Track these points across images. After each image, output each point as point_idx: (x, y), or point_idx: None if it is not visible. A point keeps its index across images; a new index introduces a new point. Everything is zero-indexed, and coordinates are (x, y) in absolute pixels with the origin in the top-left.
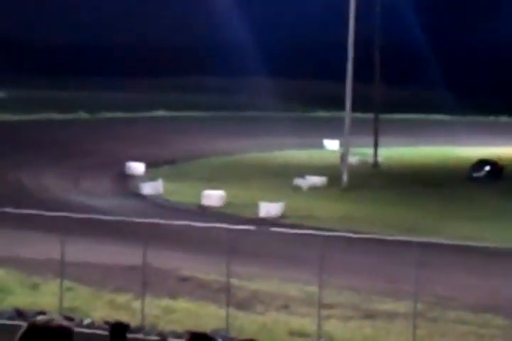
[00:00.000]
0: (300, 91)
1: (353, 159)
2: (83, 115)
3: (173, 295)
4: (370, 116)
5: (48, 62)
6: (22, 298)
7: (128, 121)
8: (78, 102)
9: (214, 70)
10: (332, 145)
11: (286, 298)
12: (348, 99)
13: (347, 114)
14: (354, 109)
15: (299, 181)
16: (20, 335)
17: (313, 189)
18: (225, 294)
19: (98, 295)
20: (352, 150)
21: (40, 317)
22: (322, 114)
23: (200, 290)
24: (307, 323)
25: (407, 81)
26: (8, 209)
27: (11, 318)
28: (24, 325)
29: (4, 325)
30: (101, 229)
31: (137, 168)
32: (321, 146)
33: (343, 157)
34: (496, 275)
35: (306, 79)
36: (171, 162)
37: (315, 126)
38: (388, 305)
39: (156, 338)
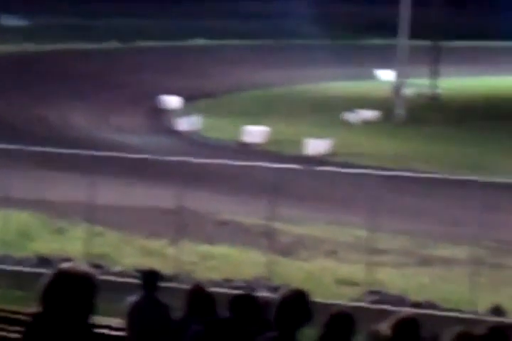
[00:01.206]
0: (349, 16)
1: (408, 91)
2: (115, 44)
3: (211, 241)
4: (428, 43)
5: None
6: (46, 244)
7: (163, 50)
8: (109, 30)
9: None
10: (385, 75)
11: (334, 243)
12: (403, 23)
13: (401, 40)
14: (410, 35)
15: (349, 115)
16: (45, 284)
17: (365, 124)
18: (268, 239)
19: (129, 241)
20: (408, 81)
21: (64, 265)
22: (374, 41)
23: (240, 234)
24: (357, 271)
25: (471, 3)
26: (31, 148)
27: (34, 265)
28: (48, 272)
29: (27, 272)
30: (132, 168)
31: (173, 101)
32: (373, 77)
33: (398, 88)
34: None
35: (355, 2)
36: (210, 95)
37: (366, 55)
38: (446, 251)
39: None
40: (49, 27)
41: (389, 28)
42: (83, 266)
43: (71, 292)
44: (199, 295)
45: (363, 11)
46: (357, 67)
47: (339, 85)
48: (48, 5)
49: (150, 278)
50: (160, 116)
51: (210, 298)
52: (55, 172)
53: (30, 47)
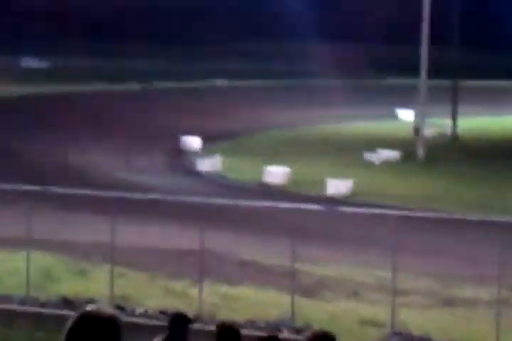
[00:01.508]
0: (370, 56)
1: (429, 131)
2: (135, 86)
3: (232, 282)
4: (448, 83)
5: (94, 26)
6: (69, 286)
7: (184, 91)
8: (131, 71)
9: (273, 35)
10: (406, 115)
11: (357, 284)
12: (424, 63)
13: (422, 80)
14: (430, 75)
15: (370, 156)
16: (70, 326)
17: (386, 164)
18: (290, 280)
19: (152, 282)
20: (428, 120)
21: (88, 307)
22: (394, 81)
23: (262, 275)
24: (380, 312)
25: (490, 43)
26: (52, 188)
27: (58, 307)
28: (72, 314)
29: (51, 314)
30: (153, 209)
31: (193, 142)
32: (394, 117)
33: (419, 128)
34: None
35: (376, 42)
36: (230, 136)
37: (387, 95)
38: (470, 292)
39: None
40: (70, 68)
41: (409, 68)
42: (107, 308)
43: (96, 334)
44: (228, 334)
45: (383, 51)
46: (378, 107)
47: (360, 125)
48: (68, 46)
49: (179, 321)
50: (180, 157)
51: (239, 336)
52: (76, 214)
53: (51, 88)
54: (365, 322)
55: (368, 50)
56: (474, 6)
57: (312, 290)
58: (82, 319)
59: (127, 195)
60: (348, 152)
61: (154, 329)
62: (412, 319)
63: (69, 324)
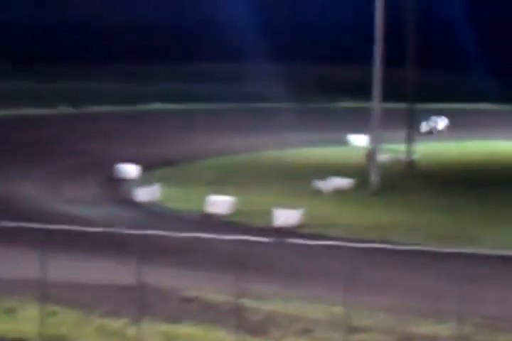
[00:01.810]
0: (320, 78)
1: (383, 157)
2: (66, 109)
3: (174, 319)
4: (403, 106)
5: (17, 46)
6: None
7: (118, 115)
8: (59, 94)
9: (216, 55)
10: (359, 140)
11: (308, 321)
12: (377, 86)
13: (375, 103)
14: (384, 98)
15: (319, 184)
16: None
17: (337, 192)
18: (236, 317)
19: (87, 321)
20: (382, 146)
21: None
22: (346, 104)
23: (206, 312)
24: None
25: (446, 64)
26: None
27: None
28: None
29: None
30: (88, 242)
31: (130, 170)
32: (346, 142)
33: (372, 155)
34: None
35: (326, 64)
36: (170, 163)
37: (338, 119)
38: (428, 328)
39: None
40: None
41: (361, 90)
42: None
43: None
44: None
45: (334, 72)
46: (328, 131)
47: (309, 151)
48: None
49: None
50: (116, 186)
51: None
52: (2, 247)
53: None
54: None
55: (320, 72)
56: (430, 25)
57: (259, 327)
58: None
59: (58, 226)
60: (296, 180)
61: None
62: None
63: None
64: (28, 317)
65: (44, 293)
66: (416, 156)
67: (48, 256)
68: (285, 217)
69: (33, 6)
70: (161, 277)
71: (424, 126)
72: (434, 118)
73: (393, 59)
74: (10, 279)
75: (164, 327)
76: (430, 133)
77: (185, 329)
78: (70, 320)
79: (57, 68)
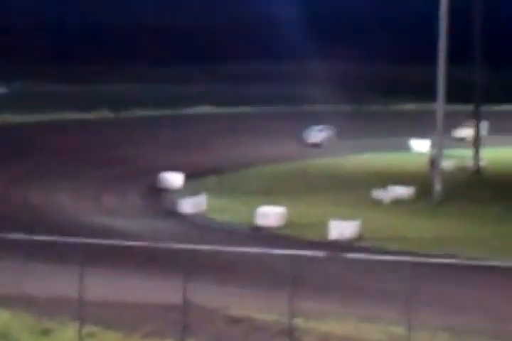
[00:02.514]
0: (379, 79)
1: (447, 164)
2: (106, 114)
3: None
4: (469, 108)
5: (60, 47)
6: None
7: (161, 119)
8: (97, 97)
9: (264, 54)
10: (421, 146)
11: None
12: (441, 86)
13: (439, 105)
14: (449, 99)
15: (379, 193)
16: None
17: (398, 203)
18: (288, 338)
19: None
20: (446, 152)
21: None
22: (408, 107)
23: (255, 333)
24: None
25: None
26: (13, 236)
27: None
28: None
29: None
30: (129, 258)
31: (174, 179)
32: (408, 148)
33: (435, 161)
34: None
35: (386, 64)
36: (215, 171)
37: (399, 123)
38: None
39: None
40: (30, 95)
41: (424, 91)
42: None
43: None
44: None
45: (395, 73)
46: (388, 136)
47: (367, 158)
48: (27, 70)
49: None
50: (159, 197)
51: None
52: (38, 263)
53: (7, 118)
54: None
55: (379, 72)
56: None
57: None
58: None
59: (97, 241)
60: (353, 189)
61: None
62: None
63: None
64: (66, 338)
65: (82, 312)
66: (483, 163)
67: (87, 273)
68: (341, 229)
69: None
70: (207, 295)
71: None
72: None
73: (458, 59)
74: (46, 298)
75: None
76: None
77: None
78: None
79: (95, 69)
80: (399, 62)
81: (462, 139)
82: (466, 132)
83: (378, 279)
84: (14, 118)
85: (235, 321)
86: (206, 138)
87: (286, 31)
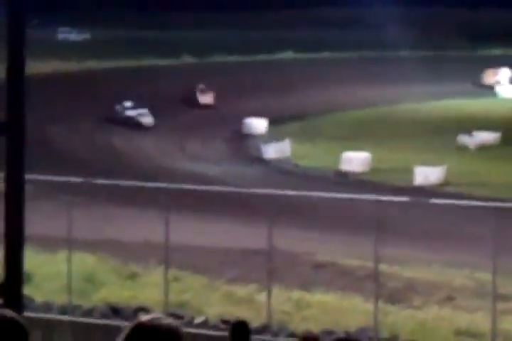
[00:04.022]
0: (465, 23)
1: None
2: (188, 59)
3: (306, 286)
4: None
5: None
6: (117, 291)
7: (245, 65)
8: (181, 43)
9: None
10: (508, 92)
11: (451, 288)
12: None
13: None
14: None
15: (464, 138)
16: (122, 339)
17: (484, 148)
18: (373, 283)
19: (213, 287)
20: None
21: (142, 316)
22: (496, 51)
23: (340, 278)
24: (478, 320)
25: None
26: (99, 181)
27: (104, 316)
28: (121, 325)
29: (96, 324)
30: (214, 203)
31: (257, 125)
32: (494, 94)
33: None
34: None
35: (473, 7)
36: (300, 117)
37: (485, 68)
38: None
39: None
40: (112, 41)
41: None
42: (165, 318)
43: None
44: None
45: (483, 16)
46: (474, 82)
47: (452, 103)
48: (109, 16)
49: (239, 331)
50: (243, 142)
51: None
52: (124, 208)
53: (91, 64)
54: (461, 332)
55: (464, 16)
56: None
57: (399, 295)
58: (135, 331)
59: (183, 186)
60: (438, 135)
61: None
62: None
63: (121, 336)
64: (151, 282)
65: (168, 257)
66: None
67: (172, 218)
68: (426, 174)
69: None
70: (293, 240)
71: None
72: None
73: None
74: (132, 242)
75: (295, 294)
76: None
77: (317, 296)
78: (195, 286)
79: (177, 16)
80: (484, 6)
81: None
82: None
83: (463, 225)
84: (97, 64)
85: (320, 266)
86: (289, 84)
87: None
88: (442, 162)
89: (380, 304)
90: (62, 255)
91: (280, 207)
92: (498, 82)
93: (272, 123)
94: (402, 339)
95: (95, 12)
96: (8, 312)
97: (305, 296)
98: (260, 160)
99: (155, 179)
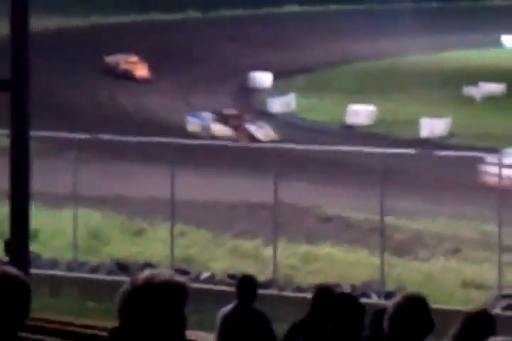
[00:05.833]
0: None
1: None
2: (193, 14)
3: (313, 239)
4: None
5: None
6: (123, 247)
7: (250, 19)
8: None
9: None
10: None
11: (457, 240)
12: None
13: None
14: None
15: (470, 90)
16: (124, 294)
17: (489, 99)
18: (379, 236)
19: (218, 241)
20: None
21: (147, 271)
22: (500, 2)
23: (347, 232)
24: (485, 272)
25: None
26: (102, 136)
27: (110, 272)
28: (127, 280)
29: (103, 280)
30: (219, 157)
31: (263, 78)
32: (499, 44)
33: None
34: None
35: None
36: (306, 70)
37: (490, 18)
38: None
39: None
40: None
41: None
42: (170, 273)
43: (158, 303)
44: (326, 297)
45: None
46: (479, 32)
47: (458, 55)
48: None
49: (246, 285)
50: (248, 96)
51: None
52: (128, 164)
53: (94, 19)
54: (467, 284)
55: None
56: None
57: (405, 247)
58: (136, 286)
59: (187, 141)
60: (444, 86)
61: (222, 296)
62: None
63: (122, 291)
64: (158, 238)
65: (174, 212)
66: None
67: (177, 173)
68: (432, 126)
69: None
70: (299, 194)
71: None
72: None
73: None
74: (138, 198)
75: (302, 248)
76: None
77: (324, 249)
78: (200, 241)
79: None
80: None
81: None
82: None
83: (470, 177)
84: (100, 19)
85: (326, 219)
86: (295, 37)
87: None
88: (448, 114)
89: (387, 257)
90: (68, 212)
91: (286, 161)
92: None
93: (278, 77)
94: (409, 292)
95: None
96: (12, 270)
97: (311, 250)
98: (266, 114)
99: (159, 134)
